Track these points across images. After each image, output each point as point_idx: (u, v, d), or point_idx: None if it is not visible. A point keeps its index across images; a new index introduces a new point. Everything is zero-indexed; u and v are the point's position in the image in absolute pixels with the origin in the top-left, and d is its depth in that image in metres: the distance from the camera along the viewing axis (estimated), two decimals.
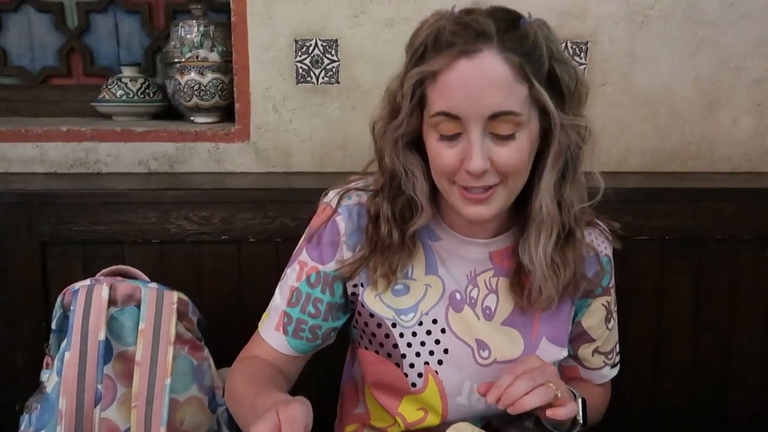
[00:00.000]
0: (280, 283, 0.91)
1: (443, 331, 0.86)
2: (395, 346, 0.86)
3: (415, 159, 0.82)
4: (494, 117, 0.73)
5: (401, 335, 0.86)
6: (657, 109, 1.43)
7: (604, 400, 1.00)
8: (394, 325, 0.86)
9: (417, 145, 0.82)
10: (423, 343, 0.86)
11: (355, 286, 0.88)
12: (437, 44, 0.74)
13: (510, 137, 0.75)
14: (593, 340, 0.94)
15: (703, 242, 1.26)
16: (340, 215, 0.87)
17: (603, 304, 0.92)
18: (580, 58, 1.40)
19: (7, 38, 1.65)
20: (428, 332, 0.86)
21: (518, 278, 0.86)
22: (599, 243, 0.91)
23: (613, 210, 1.13)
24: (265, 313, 0.92)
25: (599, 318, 0.93)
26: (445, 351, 0.86)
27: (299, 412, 0.67)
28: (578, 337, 0.94)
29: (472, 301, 0.87)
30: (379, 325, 0.87)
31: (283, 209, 1.21)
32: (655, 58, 1.41)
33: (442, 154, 0.77)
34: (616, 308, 0.95)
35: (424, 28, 0.76)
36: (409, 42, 0.79)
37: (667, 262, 1.27)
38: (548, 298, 0.84)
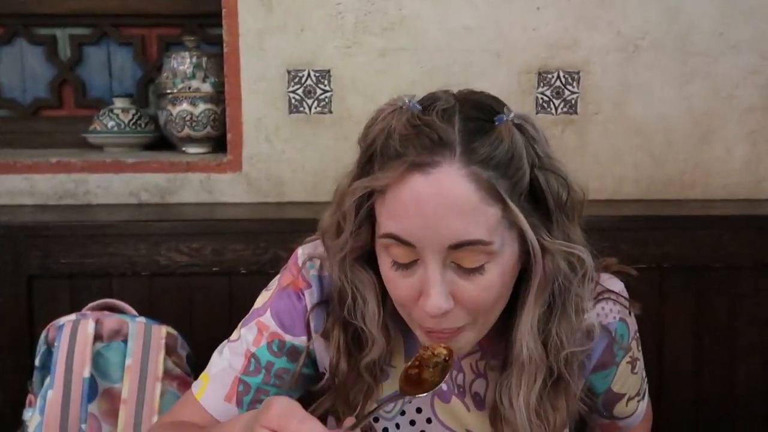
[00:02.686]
0: (230, 345, 0.76)
1: (429, 420, 0.76)
2: None
3: (367, 277, 0.68)
4: (456, 247, 0.60)
5: (385, 430, 0.76)
6: (651, 138, 1.43)
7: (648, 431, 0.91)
8: (376, 420, 0.76)
9: (371, 257, 0.67)
10: None
11: (318, 390, 0.77)
12: (385, 151, 0.61)
13: (477, 270, 0.61)
14: (624, 394, 0.83)
15: (701, 270, 1.25)
16: (311, 288, 0.74)
17: (628, 362, 0.80)
18: (573, 87, 1.41)
19: None
20: (412, 422, 0.76)
21: (503, 418, 0.71)
22: (605, 316, 0.76)
23: (610, 238, 1.12)
24: (203, 376, 0.76)
25: (627, 374, 0.81)
26: None
27: (285, 402, 0.54)
28: (611, 399, 0.82)
29: (460, 389, 0.76)
30: None
31: (275, 240, 1.19)
32: (648, 88, 1.42)
33: (397, 284, 0.63)
34: (639, 349, 0.83)
35: (378, 121, 0.63)
36: (362, 134, 0.65)
37: (666, 291, 1.25)
38: None
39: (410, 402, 0.76)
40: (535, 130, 0.64)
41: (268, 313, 0.75)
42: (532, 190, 0.63)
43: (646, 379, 0.88)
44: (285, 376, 0.75)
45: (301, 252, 0.77)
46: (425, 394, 0.64)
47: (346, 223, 0.65)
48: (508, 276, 0.64)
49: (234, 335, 0.77)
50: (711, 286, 1.25)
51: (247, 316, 0.78)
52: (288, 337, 0.74)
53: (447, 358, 0.64)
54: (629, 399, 0.84)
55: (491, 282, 0.62)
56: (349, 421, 0.55)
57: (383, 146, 0.62)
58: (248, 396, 0.74)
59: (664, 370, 1.27)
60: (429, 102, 0.63)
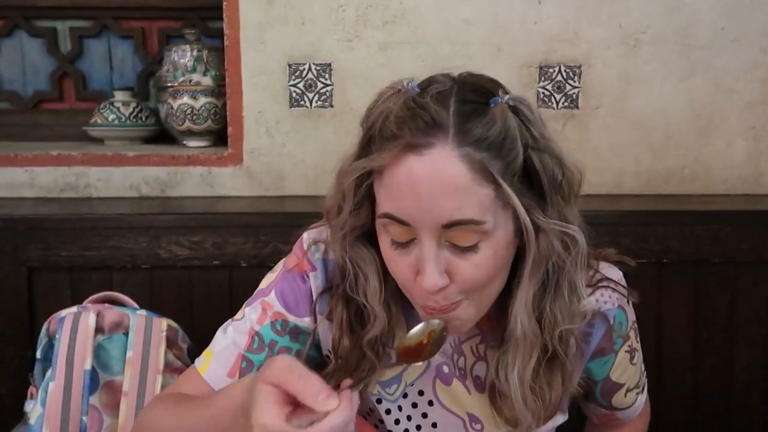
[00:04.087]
0: (234, 323, 0.78)
1: (431, 403, 0.77)
2: (381, 421, 0.78)
3: (369, 255, 0.70)
4: (450, 226, 0.61)
5: (387, 411, 0.78)
6: (651, 132, 1.43)
7: (645, 427, 0.94)
8: (379, 401, 0.78)
9: (372, 236, 0.69)
10: (409, 418, 0.78)
11: (325, 366, 0.78)
12: (383, 133, 0.63)
13: (471, 249, 0.63)
14: (623, 384, 0.85)
15: (701, 265, 1.25)
16: (316, 271, 0.76)
17: (626, 351, 0.82)
18: (574, 81, 1.40)
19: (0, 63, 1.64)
20: (414, 405, 0.78)
21: (494, 393, 0.74)
22: (604, 302, 0.78)
23: (610, 233, 1.12)
24: (207, 352, 0.77)
25: (626, 363, 0.83)
26: (434, 425, 0.78)
27: (287, 359, 0.55)
28: (610, 389, 0.84)
29: (461, 372, 0.77)
30: (362, 399, 0.78)
31: (275, 233, 1.19)
32: (649, 82, 1.41)
33: (395, 262, 0.66)
34: (638, 340, 0.85)
35: (379, 104, 0.65)
36: (364, 116, 0.67)
37: (666, 286, 1.25)
38: (529, 428, 0.72)
39: (412, 385, 0.77)
40: (530, 111, 0.65)
41: (273, 293, 0.77)
42: (526, 171, 0.64)
43: (645, 373, 0.89)
44: (289, 354, 0.76)
45: (307, 236, 0.79)
46: (421, 363, 0.66)
47: (345, 202, 0.67)
48: (502, 254, 0.65)
49: (238, 315, 0.79)
50: (711, 281, 1.26)
51: (251, 296, 0.79)
52: (291, 318, 0.76)
53: (443, 331, 0.66)
54: (628, 390, 0.85)
55: (484, 260, 0.64)
56: (347, 382, 0.56)
57: (381, 128, 0.63)
58: (251, 372, 0.75)
59: (663, 365, 1.27)
60: (426, 84, 0.65)
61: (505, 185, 0.61)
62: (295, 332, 0.76)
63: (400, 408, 0.78)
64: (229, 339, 0.77)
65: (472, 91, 0.64)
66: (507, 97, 0.64)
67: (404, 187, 0.61)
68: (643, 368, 0.88)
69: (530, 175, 0.64)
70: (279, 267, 0.80)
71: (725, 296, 1.26)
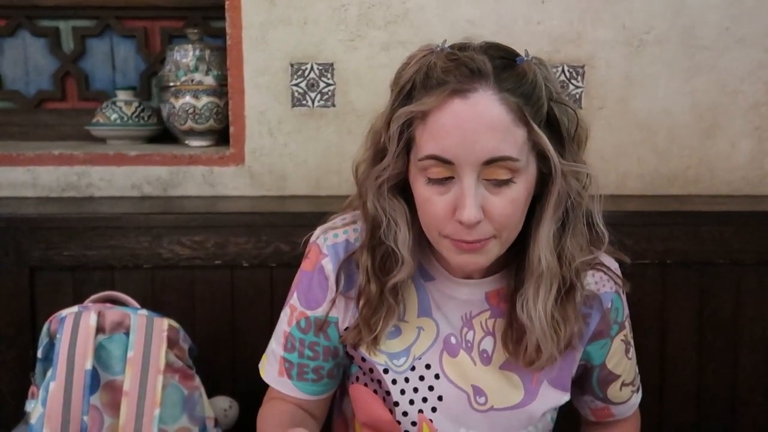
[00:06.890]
0: (276, 326, 0.86)
1: (437, 377, 0.81)
2: (388, 393, 0.82)
3: (400, 205, 0.76)
4: (490, 163, 0.68)
5: (393, 381, 0.81)
6: (655, 133, 1.42)
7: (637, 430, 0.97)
8: (386, 371, 0.82)
9: (402, 189, 0.76)
10: (416, 390, 0.81)
11: (346, 329, 0.83)
12: (427, 82, 0.70)
13: (505, 184, 0.70)
14: (619, 376, 0.88)
15: (705, 266, 1.24)
16: (327, 257, 0.81)
17: (622, 340, 0.87)
18: (577, 82, 1.40)
19: (3, 62, 1.65)
20: (421, 378, 0.81)
21: (514, 334, 0.79)
22: (602, 285, 0.83)
23: (614, 234, 1.11)
24: (264, 355, 0.87)
25: (621, 354, 0.87)
26: (440, 398, 0.81)
27: None
28: (605, 378, 0.88)
29: (468, 345, 0.82)
30: (371, 370, 0.83)
31: (277, 234, 1.19)
32: (652, 83, 1.41)
33: (432, 200, 0.71)
34: (632, 337, 0.90)
35: (412, 64, 0.72)
36: (395, 78, 0.74)
37: (669, 287, 1.25)
38: (550, 358, 0.77)
39: (420, 358, 0.82)
40: (548, 71, 0.73)
41: (295, 295, 0.84)
42: (548, 120, 0.72)
43: (639, 376, 0.92)
44: (317, 348, 0.83)
45: (317, 231, 0.85)
46: None
47: (389, 147, 0.73)
48: (528, 193, 0.72)
49: (280, 317, 0.86)
50: (715, 282, 1.25)
51: (285, 300, 0.86)
52: (311, 313, 0.83)
53: None
54: (623, 384, 0.89)
55: (517, 195, 0.70)
56: None
57: (424, 78, 0.70)
58: (294, 370, 0.84)
59: (666, 366, 1.26)
60: (458, 46, 0.72)
61: (536, 127, 0.69)
62: (318, 325, 0.82)
63: (407, 380, 0.82)
64: (273, 342, 0.86)
65: (500, 50, 0.73)
66: (531, 57, 0.72)
67: (450, 128, 0.68)
68: (637, 369, 0.92)
69: (551, 124, 0.72)
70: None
71: (729, 297, 1.26)
